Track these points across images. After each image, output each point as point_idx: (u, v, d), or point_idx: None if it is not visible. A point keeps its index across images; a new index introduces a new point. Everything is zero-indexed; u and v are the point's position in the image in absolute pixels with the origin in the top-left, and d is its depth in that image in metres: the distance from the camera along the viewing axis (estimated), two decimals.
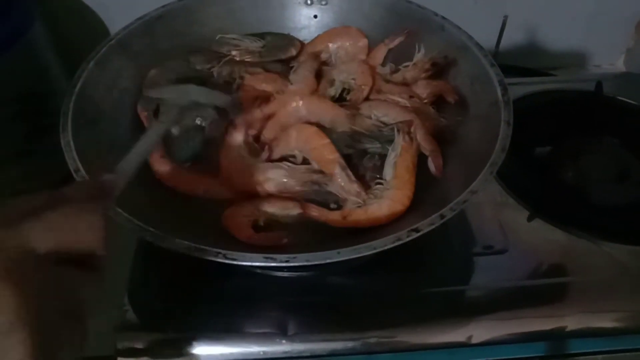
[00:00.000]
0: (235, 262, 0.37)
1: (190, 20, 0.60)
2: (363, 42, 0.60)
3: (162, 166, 0.49)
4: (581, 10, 0.81)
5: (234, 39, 0.60)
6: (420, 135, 0.50)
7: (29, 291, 0.23)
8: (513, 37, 0.82)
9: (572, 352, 0.49)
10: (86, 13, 0.72)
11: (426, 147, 0.50)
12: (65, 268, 0.26)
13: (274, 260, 0.37)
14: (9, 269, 0.23)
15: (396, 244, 0.39)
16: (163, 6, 0.58)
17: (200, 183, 0.49)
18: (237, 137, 0.49)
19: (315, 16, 0.63)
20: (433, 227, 0.40)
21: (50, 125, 0.58)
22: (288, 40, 0.62)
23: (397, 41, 0.58)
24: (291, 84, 0.55)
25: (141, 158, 0.37)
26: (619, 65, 0.88)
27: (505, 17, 0.80)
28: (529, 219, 0.55)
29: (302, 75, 0.56)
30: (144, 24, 0.57)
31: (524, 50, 0.84)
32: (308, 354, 0.46)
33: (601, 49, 0.86)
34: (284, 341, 0.46)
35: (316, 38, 0.62)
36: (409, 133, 0.48)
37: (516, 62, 0.84)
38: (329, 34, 0.61)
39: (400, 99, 0.55)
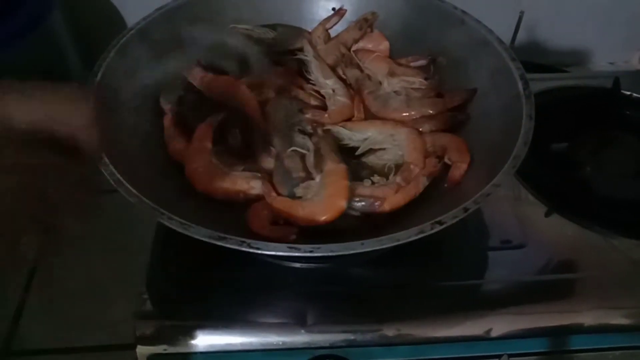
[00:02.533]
0: (259, 252, 0.37)
1: (209, 9, 0.60)
2: (384, 44, 0.60)
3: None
4: (596, 7, 0.80)
5: (246, 29, 0.60)
6: (446, 141, 0.50)
7: None
8: (528, 33, 0.82)
9: (589, 347, 0.49)
10: (103, 2, 0.72)
11: (452, 157, 0.49)
12: (44, 146, 0.25)
13: (298, 250, 0.37)
14: None
15: (420, 236, 0.39)
16: None
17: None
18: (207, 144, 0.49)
19: (334, 8, 0.62)
20: (457, 219, 0.40)
21: None
22: (298, 31, 0.62)
23: (418, 62, 0.58)
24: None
25: None
26: (634, 62, 0.87)
27: (522, 13, 0.79)
28: (547, 215, 0.55)
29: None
30: (164, 14, 0.57)
31: (539, 46, 0.84)
32: (327, 345, 0.46)
33: (616, 46, 0.86)
34: (302, 331, 0.46)
35: (338, 35, 0.62)
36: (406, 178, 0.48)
37: (531, 58, 0.84)
38: None
39: (415, 81, 0.56)
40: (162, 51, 0.55)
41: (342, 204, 0.44)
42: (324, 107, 0.56)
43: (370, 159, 0.52)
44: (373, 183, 0.49)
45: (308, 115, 0.53)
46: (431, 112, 0.54)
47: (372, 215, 0.46)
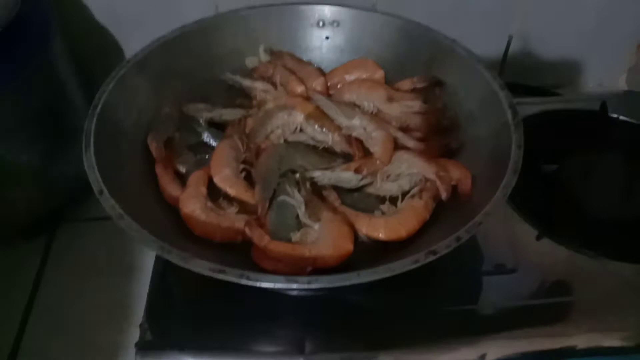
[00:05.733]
0: (258, 284, 0.38)
1: (206, 40, 0.61)
2: (379, 73, 0.61)
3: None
4: (584, 29, 0.82)
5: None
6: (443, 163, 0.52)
7: None
8: (517, 56, 0.84)
9: None
10: (101, 31, 0.73)
11: (454, 176, 0.51)
12: None
13: (296, 282, 0.38)
14: None
15: (414, 266, 0.40)
16: (180, 27, 0.60)
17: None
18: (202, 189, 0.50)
19: (327, 37, 0.64)
20: (450, 249, 0.41)
21: (67, 143, 0.60)
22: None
23: (423, 84, 0.59)
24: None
25: None
26: (621, 83, 0.89)
27: (510, 37, 0.81)
28: (538, 238, 0.56)
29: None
30: (162, 45, 0.58)
31: (528, 68, 0.85)
32: None
33: (604, 67, 0.88)
34: (301, 359, 0.47)
35: (334, 70, 0.63)
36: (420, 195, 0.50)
37: (520, 80, 0.86)
38: (346, 67, 0.62)
39: (414, 105, 0.57)
40: (160, 84, 0.56)
41: (350, 247, 0.46)
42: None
43: (370, 190, 0.54)
44: (383, 213, 0.51)
45: (364, 172, 0.52)
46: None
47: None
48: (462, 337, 0.49)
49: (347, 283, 0.39)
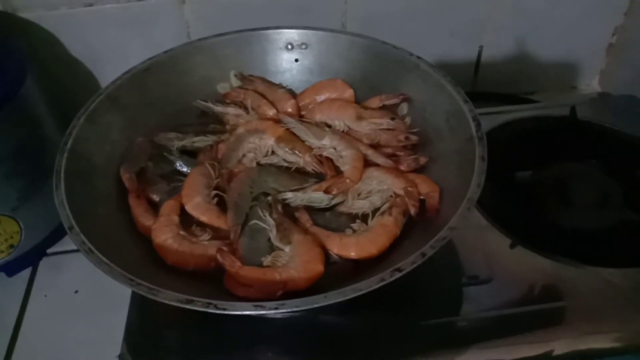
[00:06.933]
0: (225, 312, 0.39)
1: (176, 70, 0.62)
2: (349, 92, 0.62)
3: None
4: (555, 35, 0.84)
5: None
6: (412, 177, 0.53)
7: None
8: (490, 66, 0.85)
9: None
10: (76, 65, 0.74)
11: (422, 190, 0.52)
12: None
13: (264, 308, 0.39)
14: None
15: (380, 284, 0.40)
16: (149, 58, 0.61)
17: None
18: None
19: (297, 60, 0.65)
20: (415, 265, 0.41)
21: (45, 178, 0.60)
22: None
23: (392, 101, 0.60)
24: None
25: None
26: (595, 85, 0.90)
27: (481, 48, 0.83)
28: (512, 247, 0.57)
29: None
30: (132, 77, 0.59)
31: (503, 76, 0.87)
32: None
33: (577, 71, 0.89)
34: None
35: (305, 91, 0.64)
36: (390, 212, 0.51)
37: (496, 89, 0.87)
38: (315, 87, 0.64)
39: (383, 122, 0.58)
40: (132, 115, 0.57)
41: (321, 268, 0.46)
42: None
43: (342, 209, 0.54)
44: (354, 231, 0.51)
45: (334, 191, 0.53)
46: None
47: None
48: (440, 349, 0.50)
49: (314, 306, 0.39)
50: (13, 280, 0.63)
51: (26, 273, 0.64)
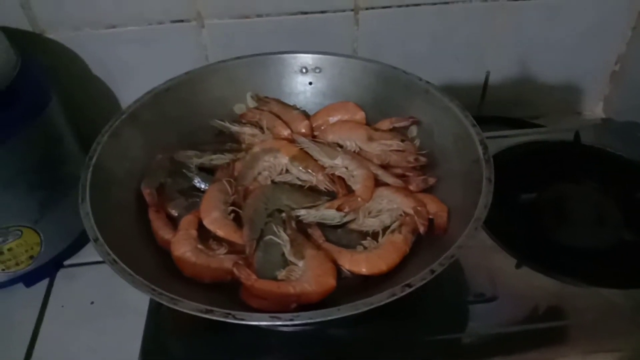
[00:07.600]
0: (243, 322, 0.40)
1: (194, 90, 0.65)
2: (360, 115, 0.65)
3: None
4: (559, 61, 0.86)
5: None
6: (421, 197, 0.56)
7: None
8: (496, 90, 0.87)
9: None
10: (96, 83, 0.77)
11: (431, 209, 0.54)
12: None
13: (279, 319, 0.41)
14: None
15: (391, 299, 0.42)
16: (170, 79, 0.63)
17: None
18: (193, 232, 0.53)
19: (310, 83, 0.68)
20: (424, 282, 0.43)
21: (64, 192, 0.63)
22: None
23: (401, 123, 0.63)
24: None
25: None
26: (598, 111, 0.93)
27: (488, 73, 0.85)
28: (517, 266, 0.59)
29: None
30: (153, 97, 0.61)
31: (508, 101, 0.89)
32: None
33: (581, 97, 0.92)
34: None
35: (318, 112, 0.67)
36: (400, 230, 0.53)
37: (501, 113, 0.89)
38: (328, 109, 0.66)
39: (393, 143, 0.60)
40: (152, 133, 0.60)
41: (333, 283, 0.48)
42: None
43: (353, 226, 0.56)
44: (365, 248, 0.53)
45: (346, 209, 0.55)
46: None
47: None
48: None
49: (328, 318, 0.41)
50: (31, 290, 0.65)
51: (43, 284, 0.66)
